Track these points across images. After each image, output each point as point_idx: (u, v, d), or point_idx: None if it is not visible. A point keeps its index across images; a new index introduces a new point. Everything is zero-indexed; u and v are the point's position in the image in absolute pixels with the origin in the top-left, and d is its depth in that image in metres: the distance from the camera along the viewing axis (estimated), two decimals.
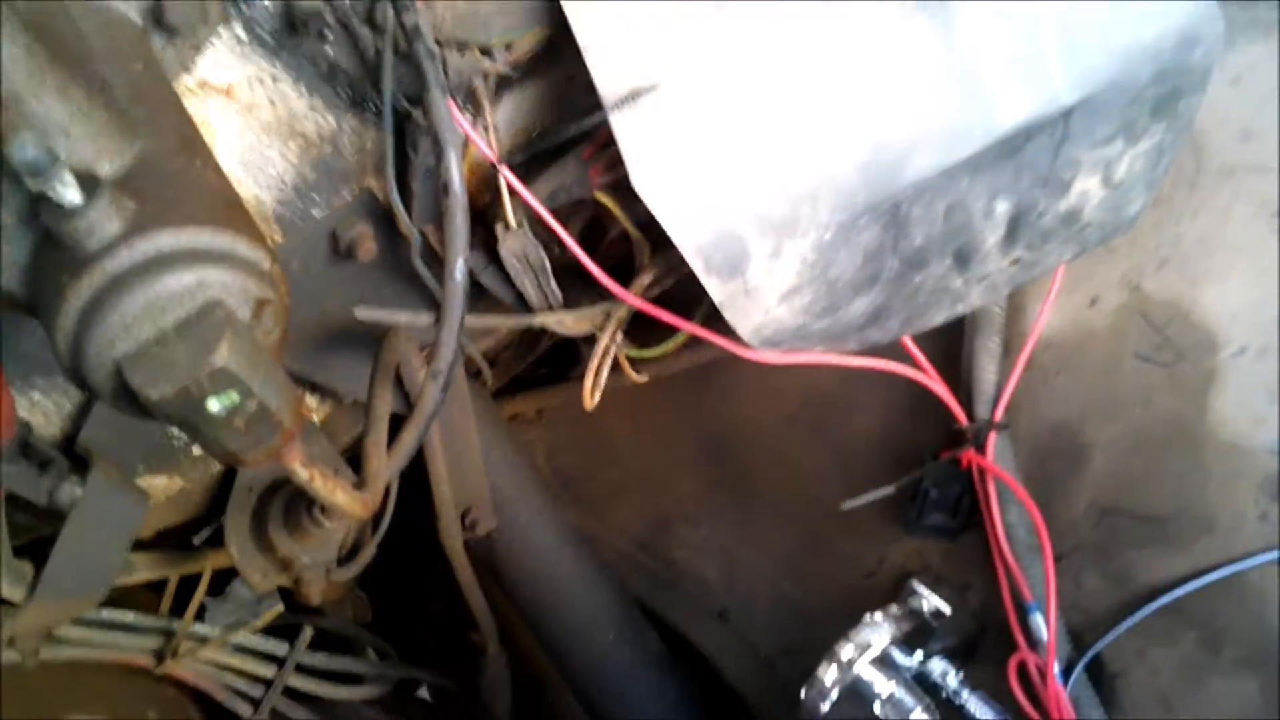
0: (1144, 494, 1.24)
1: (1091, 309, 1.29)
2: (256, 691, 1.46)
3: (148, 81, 0.77)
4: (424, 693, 1.93)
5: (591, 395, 1.16)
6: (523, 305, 1.15)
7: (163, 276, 0.65)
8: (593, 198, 1.06)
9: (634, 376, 1.21)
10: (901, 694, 1.24)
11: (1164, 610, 1.21)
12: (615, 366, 1.19)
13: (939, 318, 1.14)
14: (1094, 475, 1.28)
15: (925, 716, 1.22)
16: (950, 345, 1.34)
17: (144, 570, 1.26)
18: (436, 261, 1.07)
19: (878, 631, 1.27)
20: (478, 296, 1.15)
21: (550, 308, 1.14)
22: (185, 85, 0.93)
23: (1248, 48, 1.20)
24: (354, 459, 0.95)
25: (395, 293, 1.14)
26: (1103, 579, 1.27)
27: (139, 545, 1.07)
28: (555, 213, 1.03)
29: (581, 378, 1.17)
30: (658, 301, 1.09)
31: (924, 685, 1.28)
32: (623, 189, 1.00)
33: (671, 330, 1.12)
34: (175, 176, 0.71)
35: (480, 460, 1.35)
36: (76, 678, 1.35)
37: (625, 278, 1.09)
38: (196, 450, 1.15)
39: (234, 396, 0.66)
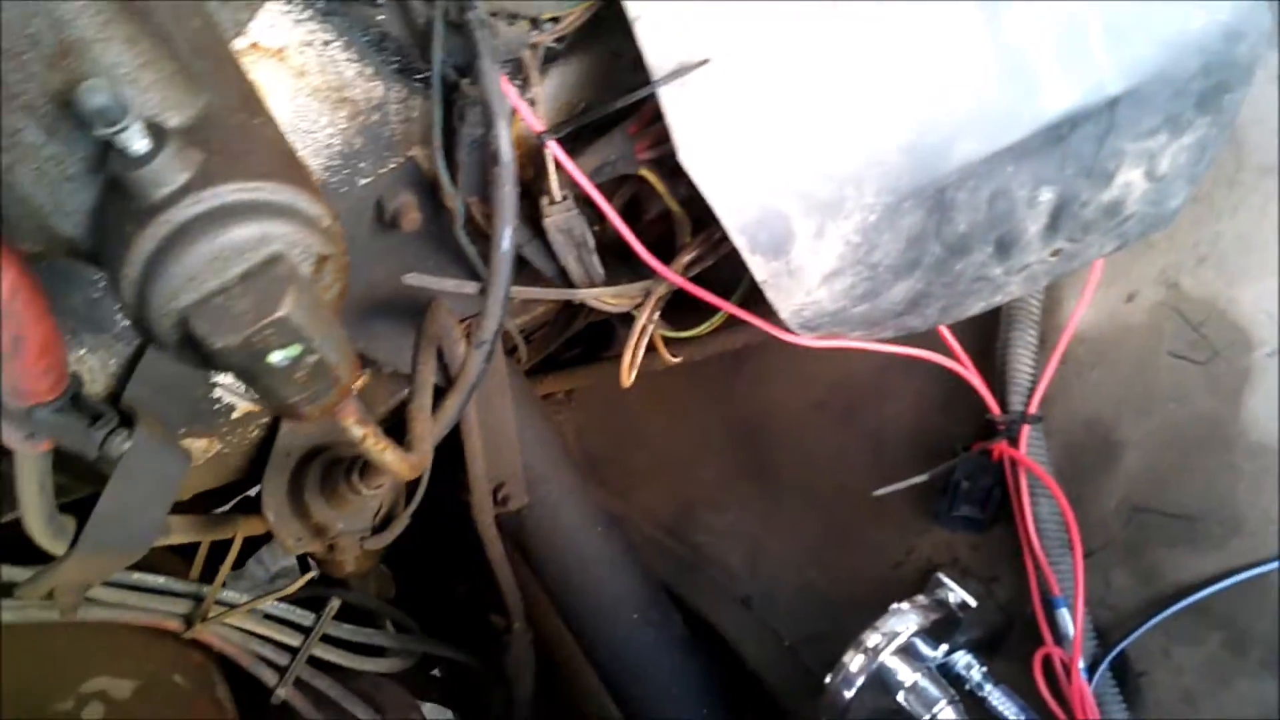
0: (1175, 492, 1.24)
1: (1128, 304, 1.29)
2: (282, 659, 1.47)
3: (206, 38, 0.77)
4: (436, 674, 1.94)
5: (629, 373, 1.17)
6: (564, 280, 1.16)
7: (229, 228, 0.66)
8: (636, 174, 1.06)
9: (668, 358, 1.21)
10: (926, 684, 1.24)
11: (1191, 610, 1.21)
12: (650, 348, 1.19)
13: (977, 307, 1.14)
14: (1126, 471, 1.28)
15: (951, 709, 1.23)
16: (984, 337, 1.34)
17: (178, 533, 1.27)
18: (479, 235, 1.08)
19: (904, 621, 1.27)
20: (519, 269, 1.15)
21: (591, 284, 1.15)
22: (238, 46, 0.93)
23: None
24: (390, 429, 0.95)
25: (437, 264, 1.14)
26: (1131, 576, 1.27)
27: (174, 508, 1.08)
28: (599, 188, 1.04)
29: (613, 360, 1.17)
30: (696, 282, 1.09)
31: (947, 677, 1.28)
32: (667, 165, 1.01)
33: (707, 313, 1.12)
34: (238, 130, 0.71)
35: (514, 436, 1.36)
36: (105, 639, 1.36)
37: (664, 258, 1.09)
38: (236, 414, 1.15)
39: (295, 349, 0.67)
